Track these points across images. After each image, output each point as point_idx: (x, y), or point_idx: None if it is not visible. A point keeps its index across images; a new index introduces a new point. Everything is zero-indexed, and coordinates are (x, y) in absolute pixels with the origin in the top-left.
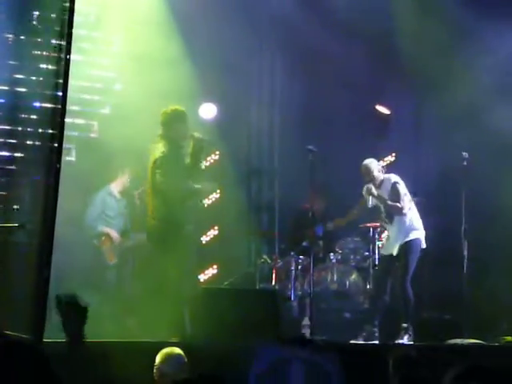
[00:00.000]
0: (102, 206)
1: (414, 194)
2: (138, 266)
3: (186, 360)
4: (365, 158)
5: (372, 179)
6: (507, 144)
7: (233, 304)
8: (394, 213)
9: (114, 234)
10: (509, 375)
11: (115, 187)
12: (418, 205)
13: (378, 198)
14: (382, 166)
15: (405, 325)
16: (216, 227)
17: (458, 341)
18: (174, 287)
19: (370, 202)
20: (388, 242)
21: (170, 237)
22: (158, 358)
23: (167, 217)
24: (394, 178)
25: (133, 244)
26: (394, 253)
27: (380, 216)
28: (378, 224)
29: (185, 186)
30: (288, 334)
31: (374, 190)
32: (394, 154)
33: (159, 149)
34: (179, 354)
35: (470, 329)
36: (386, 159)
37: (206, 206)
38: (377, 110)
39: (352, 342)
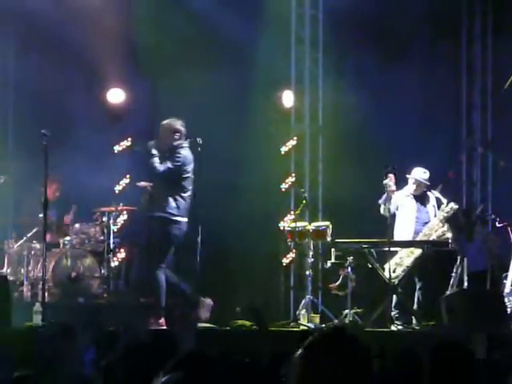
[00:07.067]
0: None
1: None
2: None
3: None
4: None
5: None
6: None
7: None
8: None
9: None
10: (225, 360)
11: None
12: None
13: None
14: None
15: None
16: None
17: None
18: None
19: None
20: None
21: None
22: None
23: None
24: None
25: None
26: None
27: None
28: (113, 208)
29: None
30: (21, 320)
31: None
32: (129, 139)
33: None
34: None
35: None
36: (121, 144)
37: None
38: (111, 95)
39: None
